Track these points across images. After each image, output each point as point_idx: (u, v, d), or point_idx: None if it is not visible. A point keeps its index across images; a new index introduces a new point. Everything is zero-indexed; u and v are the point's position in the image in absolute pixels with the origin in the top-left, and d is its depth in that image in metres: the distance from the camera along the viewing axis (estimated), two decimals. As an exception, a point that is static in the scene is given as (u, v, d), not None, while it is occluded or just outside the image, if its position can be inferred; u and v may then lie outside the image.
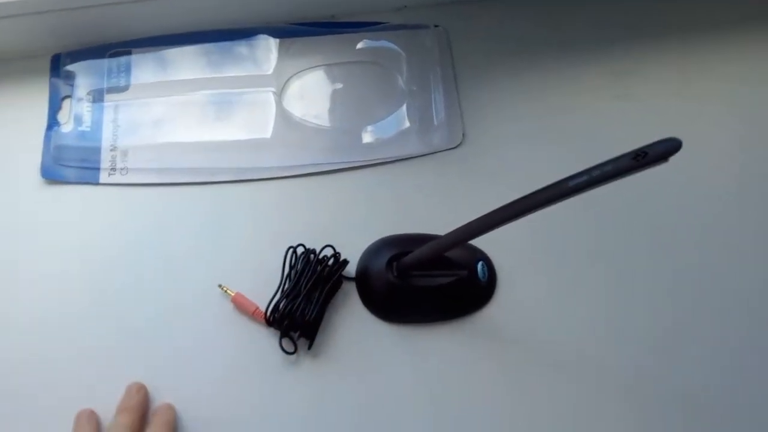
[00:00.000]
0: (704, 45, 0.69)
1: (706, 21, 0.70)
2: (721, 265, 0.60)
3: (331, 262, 0.57)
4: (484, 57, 0.67)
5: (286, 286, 0.56)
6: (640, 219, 0.61)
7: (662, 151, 0.36)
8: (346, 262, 0.58)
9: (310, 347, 0.55)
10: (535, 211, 0.44)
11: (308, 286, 0.55)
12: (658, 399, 0.56)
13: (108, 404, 0.53)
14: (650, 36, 0.69)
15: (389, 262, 0.57)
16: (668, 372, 0.57)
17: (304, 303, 0.55)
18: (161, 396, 0.54)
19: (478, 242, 0.59)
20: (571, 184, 0.40)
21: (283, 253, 0.57)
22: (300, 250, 0.57)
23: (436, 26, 0.68)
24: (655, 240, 0.61)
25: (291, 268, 0.57)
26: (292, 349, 0.55)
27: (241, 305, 0.56)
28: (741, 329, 0.58)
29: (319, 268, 0.56)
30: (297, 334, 0.55)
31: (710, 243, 0.61)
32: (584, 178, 0.40)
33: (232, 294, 0.57)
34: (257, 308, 0.56)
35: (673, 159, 0.61)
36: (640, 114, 0.64)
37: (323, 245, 0.58)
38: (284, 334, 0.55)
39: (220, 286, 0.57)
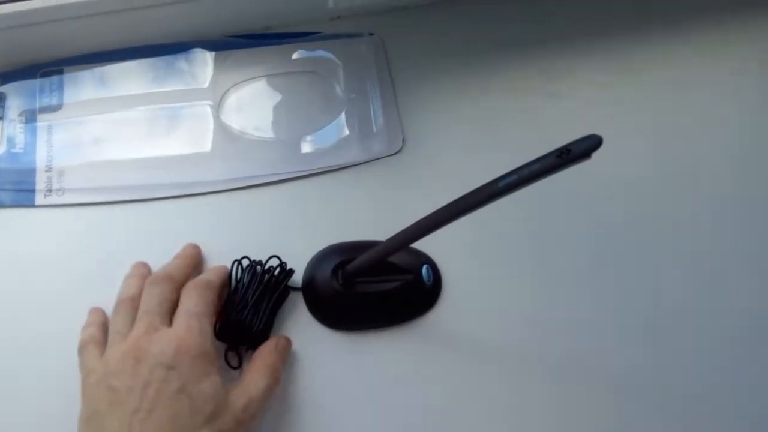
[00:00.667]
0: (631, 45, 0.71)
1: (634, 22, 0.72)
2: (658, 256, 0.62)
3: (277, 272, 0.57)
4: (420, 63, 0.68)
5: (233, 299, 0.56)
6: (576, 216, 0.63)
7: (584, 148, 0.37)
8: (291, 272, 0.58)
9: None
10: (470, 212, 0.44)
11: (255, 297, 0.55)
12: (603, 393, 0.57)
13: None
14: (579, 36, 0.70)
15: (334, 270, 0.57)
16: (612, 366, 0.58)
17: (251, 314, 0.54)
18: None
19: (422, 246, 0.60)
20: (501, 184, 0.41)
21: (229, 265, 0.57)
22: (245, 262, 0.57)
23: (371, 34, 0.68)
24: (596, 236, 0.62)
25: (237, 281, 0.57)
26: (236, 364, 0.55)
27: None
28: (677, 320, 0.60)
29: (265, 278, 0.56)
30: (245, 347, 0.55)
31: (643, 236, 0.62)
32: (513, 177, 0.40)
33: None
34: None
35: (603, 148, 0.63)
36: (573, 112, 0.66)
37: (268, 256, 0.58)
38: (231, 347, 0.54)
39: None
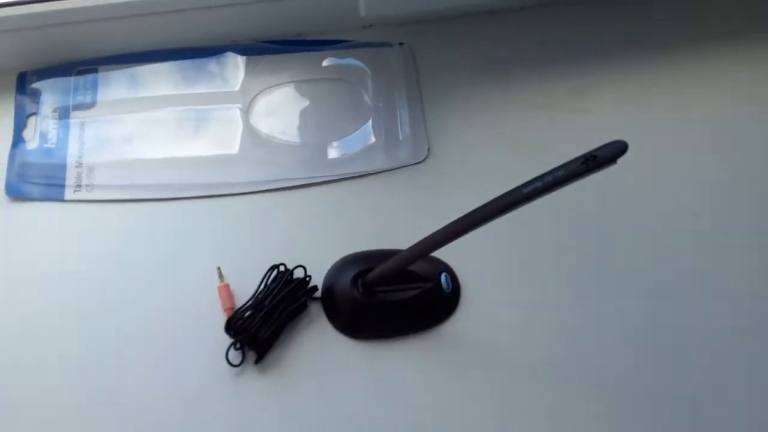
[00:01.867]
0: (660, 63, 0.70)
1: (664, 40, 0.71)
2: (682, 267, 0.61)
3: (299, 285, 0.57)
4: (448, 74, 0.68)
5: (252, 302, 0.56)
6: (599, 226, 0.62)
7: (610, 153, 0.37)
8: (315, 289, 0.58)
9: (257, 362, 0.55)
10: (493, 219, 0.44)
11: (271, 305, 0.55)
12: (627, 402, 0.56)
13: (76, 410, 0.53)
14: (607, 54, 0.70)
15: (354, 279, 0.57)
16: (634, 375, 0.57)
17: (261, 321, 0.55)
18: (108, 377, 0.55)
19: (441, 254, 0.59)
20: (526, 190, 0.41)
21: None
22: (282, 268, 0.57)
23: (401, 44, 0.69)
24: (616, 246, 0.62)
25: (266, 284, 0.57)
26: (237, 362, 0.55)
27: (222, 296, 0.57)
28: (709, 329, 0.59)
29: (286, 289, 0.56)
30: (248, 349, 0.55)
31: (667, 247, 0.62)
32: (538, 184, 0.40)
33: (221, 283, 0.57)
34: (231, 308, 0.56)
35: (629, 169, 0.63)
36: (598, 127, 0.66)
37: (294, 263, 0.58)
38: (234, 345, 0.55)
39: (218, 268, 0.58)
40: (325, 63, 0.68)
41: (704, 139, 0.67)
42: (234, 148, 0.64)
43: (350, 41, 0.69)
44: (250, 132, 0.64)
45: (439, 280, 0.58)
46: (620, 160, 0.38)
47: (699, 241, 0.62)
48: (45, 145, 0.63)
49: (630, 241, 0.62)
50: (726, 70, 0.71)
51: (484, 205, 0.44)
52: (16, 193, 0.61)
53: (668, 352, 0.58)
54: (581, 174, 0.38)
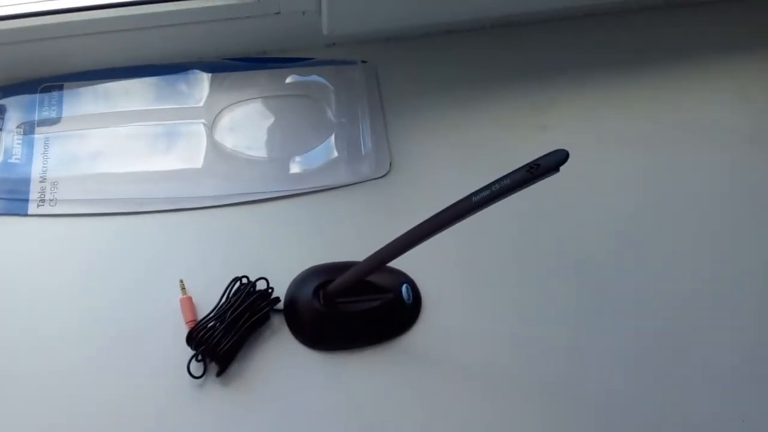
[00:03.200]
0: (620, 81, 0.73)
1: (624, 58, 0.74)
2: (630, 274, 0.63)
3: (260, 297, 0.58)
4: (410, 91, 0.70)
5: (214, 313, 0.57)
6: (557, 237, 0.64)
7: (553, 162, 0.38)
8: (277, 300, 0.59)
9: (218, 374, 0.56)
10: (446, 228, 0.46)
11: (232, 316, 0.56)
12: (583, 411, 0.57)
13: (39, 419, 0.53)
14: (566, 72, 0.72)
15: (316, 291, 0.58)
16: (591, 383, 0.58)
17: (222, 333, 0.55)
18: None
19: (402, 266, 0.60)
20: (475, 198, 0.42)
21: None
22: (244, 280, 0.58)
23: (363, 62, 0.71)
24: (574, 256, 0.63)
25: (228, 296, 0.57)
26: (199, 374, 0.55)
27: (184, 308, 0.57)
28: (663, 336, 0.60)
29: (247, 301, 0.57)
30: (210, 360, 0.56)
31: (622, 256, 0.64)
32: (486, 192, 0.42)
33: (184, 295, 0.58)
34: (193, 320, 0.57)
35: (585, 178, 0.64)
36: (556, 143, 0.66)
37: (257, 275, 0.58)
38: (196, 357, 0.55)
39: (181, 280, 0.58)
40: (289, 80, 0.69)
41: (658, 154, 0.69)
42: (198, 163, 0.64)
43: (314, 59, 0.70)
44: (215, 147, 0.65)
45: (400, 291, 0.59)
46: (569, 171, 0.40)
47: (649, 248, 0.64)
48: (9, 160, 0.63)
49: (587, 250, 0.64)
50: (684, 86, 0.73)
51: (437, 214, 0.45)
52: (-22, 208, 0.61)
53: (626, 358, 0.59)
54: (526, 182, 0.40)
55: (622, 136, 0.69)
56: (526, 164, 0.40)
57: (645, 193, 0.67)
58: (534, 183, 0.40)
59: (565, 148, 0.40)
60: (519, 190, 0.41)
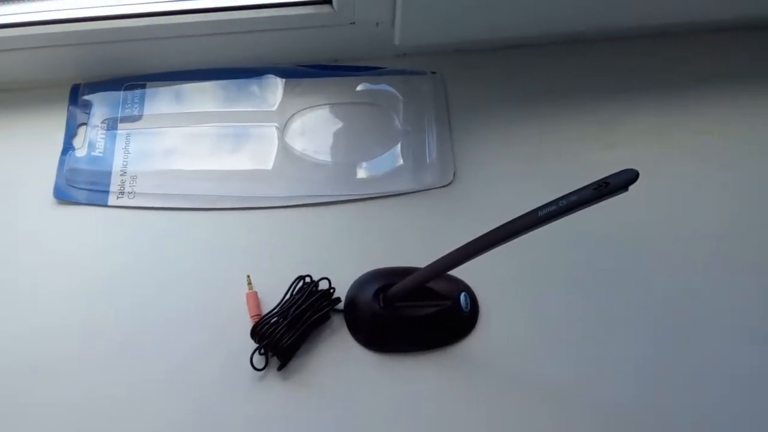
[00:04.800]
0: (692, 101, 0.72)
1: (688, 79, 0.73)
2: (698, 296, 0.63)
3: (322, 296, 0.60)
4: (478, 102, 0.71)
5: (277, 309, 0.59)
6: (618, 252, 0.64)
7: (621, 180, 0.39)
8: (338, 300, 0.61)
9: (280, 368, 0.58)
10: (508, 240, 0.46)
11: (295, 314, 0.58)
12: (645, 426, 0.57)
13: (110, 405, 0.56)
14: (636, 91, 0.72)
15: (376, 293, 0.60)
16: (652, 403, 0.58)
17: (285, 329, 0.57)
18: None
19: (462, 275, 0.61)
20: (541, 213, 0.43)
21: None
22: (308, 279, 0.60)
23: (433, 73, 0.72)
24: (634, 271, 0.63)
25: (292, 293, 0.59)
26: (261, 366, 0.57)
27: (249, 303, 0.60)
28: (731, 359, 0.60)
29: (311, 299, 0.59)
30: (272, 355, 0.58)
31: (690, 276, 0.63)
32: (552, 207, 0.42)
33: (250, 290, 0.60)
34: (258, 315, 0.59)
35: (650, 200, 0.64)
36: (623, 161, 0.66)
37: (319, 275, 0.60)
38: (259, 350, 0.57)
39: (248, 276, 0.60)
40: (359, 88, 0.71)
41: (726, 178, 0.68)
42: (269, 164, 0.67)
43: (384, 68, 0.72)
44: (285, 150, 0.67)
45: (459, 299, 0.60)
46: (636, 191, 0.40)
47: (716, 273, 0.64)
48: (93, 153, 0.67)
49: (649, 268, 0.64)
50: (753, 112, 0.72)
51: (501, 226, 0.46)
52: (63, 197, 0.65)
53: (685, 377, 0.59)
54: (593, 199, 0.40)
55: (692, 157, 0.69)
56: (595, 182, 0.40)
57: (714, 213, 0.66)
58: (601, 201, 0.40)
59: (634, 168, 0.40)
60: (585, 207, 0.41)
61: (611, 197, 0.41)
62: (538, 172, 0.68)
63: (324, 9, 0.68)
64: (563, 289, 0.62)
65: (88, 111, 0.69)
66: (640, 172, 0.40)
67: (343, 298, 0.61)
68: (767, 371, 0.60)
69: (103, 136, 0.68)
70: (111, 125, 0.68)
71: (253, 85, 0.71)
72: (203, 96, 0.70)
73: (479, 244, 0.48)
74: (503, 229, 0.46)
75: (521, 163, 0.68)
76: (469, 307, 0.60)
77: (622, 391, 0.59)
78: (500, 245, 0.47)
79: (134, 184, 0.65)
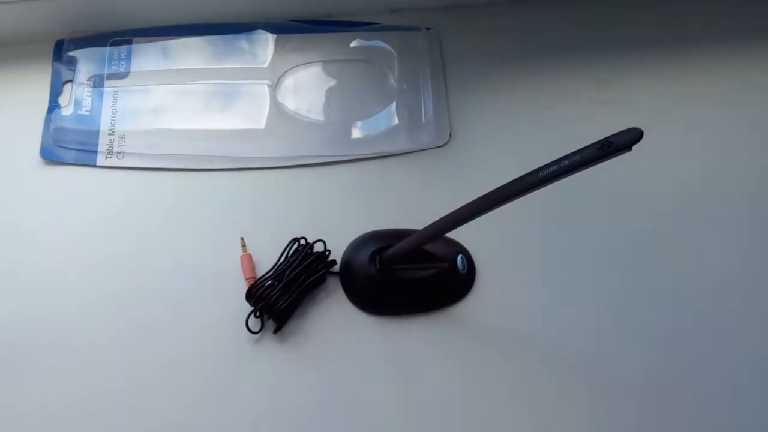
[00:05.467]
0: (687, 59, 0.71)
1: (691, 36, 0.72)
2: (700, 258, 0.62)
3: (318, 258, 0.59)
4: (473, 60, 0.69)
5: (272, 272, 0.58)
6: (617, 213, 0.64)
7: (626, 140, 0.38)
8: (333, 262, 0.60)
9: (275, 331, 0.57)
10: (509, 201, 0.45)
11: (290, 276, 0.57)
12: (639, 392, 0.57)
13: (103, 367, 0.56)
14: (631, 46, 0.71)
15: (372, 256, 0.59)
16: (651, 369, 0.58)
17: (280, 292, 0.56)
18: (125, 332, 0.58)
19: (459, 237, 0.61)
20: (542, 174, 0.42)
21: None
22: (302, 242, 0.59)
23: (428, 29, 0.70)
24: (633, 235, 0.63)
25: (287, 256, 0.59)
26: (256, 329, 0.57)
27: (244, 265, 0.59)
28: (732, 326, 0.60)
29: (306, 261, 0.58)
30: (268, 317, 0.57)
31: (687, 236, 0.63)
32: (554, 167, 0.41)
33: (243, 252, 0.59)
34: (252, 278, 0.58)
35: (649, 155, 0.63)
36: (618, 118, 0.66)
37: (314, 238, 0.59)
38: (254, 313, 0.57)
39: (241, 238, 0.60)
40: (352, 44, 0.69)
41: (725, 132, 0.67)
42: (261, 124, 0.65)
43: (378, 24, 0.70)
44: (277, 108, 0.66)
45: (455, 261, 0.60)
46: (637, 148, 0.39)
47: (718, 230, 0.63)
48: (79, 112, 0.65)
49: (647, 228, 0.63)
50: (749, 63, 0.71)
51: (501, 187, 0.45)
52: (50, 157, 0.63)
53: (688, 347, 0.59)
54: (596, 159, 0.39)
55: (688, 115, 0.68)
56: (598, 141, 0.39)
57: (712, 173, 0.66)
58: (604, 161, 0.39)
59: (632, 126, 0.39)
60: (588, 167, 0.41)
61: (614, 157, 0.40)
62: (534, 131, 0.66)
63: (316, -39, 0.66)
64: (560, 251, 0.62)
65: (73, 68, 0.67)
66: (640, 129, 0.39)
67: (338, 261, 0.60)
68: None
69: (90, 93, 0.66)
70: (97, 82, 0.66)
71: (242, 41, 0.69)
72: (192, 52, 0.68)
73: (478, 205, 0.47)
74: (503, 189, 0.45)
75: (517, 121, 0.67)
76: (465, 269, 0.60)
77: (620, 354, 0.58)
78: (501, 206, 0.46)
79: (123, 143, 0.64)
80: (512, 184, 0.45)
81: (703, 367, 0.58)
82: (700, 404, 0.57)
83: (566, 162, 0.41)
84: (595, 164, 0.40)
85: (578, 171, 0.41)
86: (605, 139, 0.39)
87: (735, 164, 0.66)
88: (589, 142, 0.41)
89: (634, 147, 0.39)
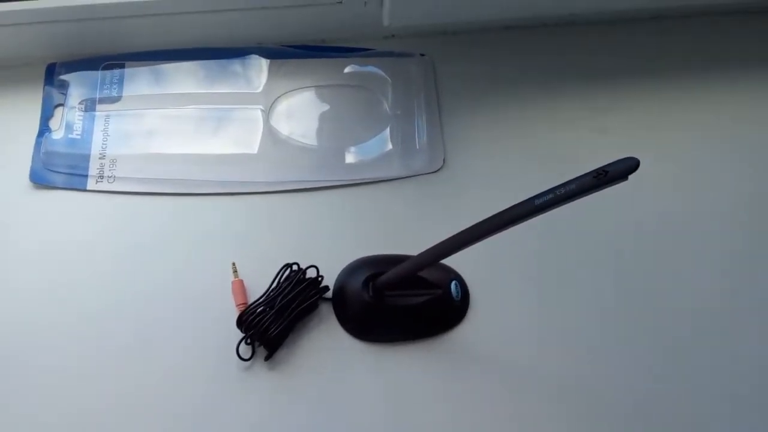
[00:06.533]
0: (683, 87, 0.71)
1: (687, 64, 0.72)
2: (694, 284, 0.62)
3: (310, 285, 0.58)
4: (467, 86, 0.69)
5: (264, 298, 0.57)
6: (611, 241, 0.63)
7: (622, 169, 0.38)
8: (326, 289, 0.59)
9: (267, 359, 0.56)
10: (504, 229, 0.45)
11: (282, 303, 0.57)
12: (635, 418, 0.57)
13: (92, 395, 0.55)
14: (628, 76, 0.71)
15: (365, 282, 0.58)
16: (643, 396, 0.58)
17: (272, 318, 0.56)
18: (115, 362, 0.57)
19: (452, 263, 0.60)
20: (537, 202, 0.42)
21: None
22: (295, 267, 0.59)
23: (422, 55, 0.70)
24: (627, 261, 0.63)
25: (279, 282, 0.58)
26: (247, 356, 0.56)
27: (235, 291, 0.58)
28: (727, 346, 0.60)
29: (298, 288, 0.57)
30: (259, 344, 0.56)
31: (679, 263, 0.63)
32: (550, 195, 0.41)
33: (235, 278, 0.58)
34: (243, 304, 0.57)
35: (644, 188, 0.63)
36: (615, 147, 0.66)
37: (307, 263, 0.59)
38: (245, 340, 0.56)
39: (233, 263, 0.59)
40: (346, 70, 0.69)
41: (722, 162, 0.67)
42: (254, 148, 0.65)
43: (372, 50, 0.70)
44: (270, 133, 0.66)
45: (449, 288, 0.59)
46: (633, 178, 0.39)
47: (713, 259, 0.63)
48: (70, 136, 0.64)
49: (641, 257, 0.63)
50: (747, 95, 0.71)
51: (496, 215, 0.45)
52: (40, 181, 0.62)
53: (682, 365, 0.59)
54: (592, 188, 0.39)
55: (682, 143, 0.68)
56: (594, 170, 0.39)
57: (707, 200, 0.66)
58: (600, 189, 0.39)
59: (628, 155, 0.39)
60: (583, 196, 0.40)
61: (610, 186, 0.39)
62: (528, 158, 0.66)
63: (311, -13, 0.66)
64: (555, 278, 0.62)
65: (64, 91, 0.66)
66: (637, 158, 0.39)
67: (331, 287, 0.59)
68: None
69: (81, 117, 0.65)
70: (89, 106, 0.66)
71: (236, 66, 0.69)
72: (185, 77, 0.68)
73: (472, 233, 0.47)
74: (499, 217, 0.45)
75: (511, 148, 0.67)
76: (460, 295, 0.59)
77: (612, 383, 0.58)
78: (495, 233, 0.46)
79: (114, 167, 0.63)
80: (508, 212, 0.44)
81: (697, 392, 0.58)
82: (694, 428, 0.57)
83: (562, 190, 0.41)
84: (591, 193, 0.40)
85: (574, 200, 0.41)
86: (601, 168, 0.39)
87: (732, 193, 0.66)
88: (585, 171, 0.41)
89: (630, 177, 0.39)
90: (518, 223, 0.44)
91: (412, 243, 0.56)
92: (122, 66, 0.68)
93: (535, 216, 0.43)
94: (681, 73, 0.71)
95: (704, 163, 0.67)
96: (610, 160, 0.40)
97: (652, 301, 0.61)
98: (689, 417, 0.57)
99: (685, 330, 0.60)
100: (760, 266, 0.63)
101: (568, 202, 0.41)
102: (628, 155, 0.39)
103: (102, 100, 0.66)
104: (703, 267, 0.63)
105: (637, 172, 0.39)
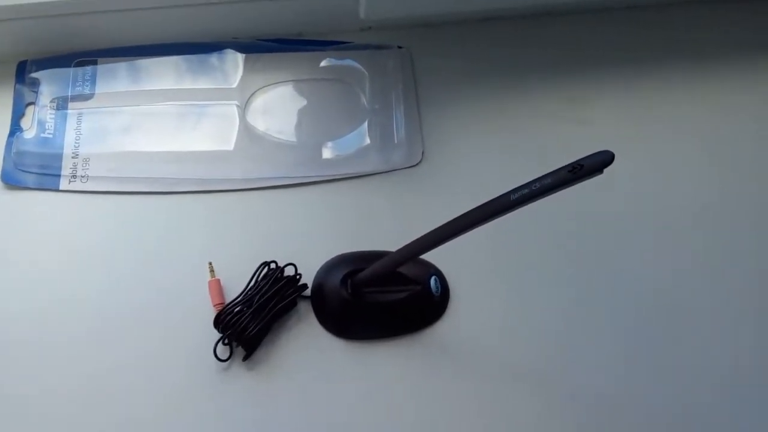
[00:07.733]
0: (656, 76, 0.71)
1: (666, 54, 0.72)
2: (672, 277, 0.62)
3: (289, 283, 0.57)
4: (445, 78, 0.68)
5: (241, 297, 0.56)
6: (590, 234, 0.63)
7: (597, 162, 0.37)
8: (304, 287, 0.58)
9: (245, 359, 0.56)
10: (481, 224, 0.45)
11: (260, 302, 0.56)
12: (612, 411, 0.57)
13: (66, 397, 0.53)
14: (606, 67, 0.71)
15: (344, 279, 0.58)
16: (625, 390, 0.58)
17: (250, 317, 0.55)
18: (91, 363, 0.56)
19: (431, 258, 0.60)
20: (514, 197, 0.42)
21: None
22: (273, 266, 0.58)
23: (399, 47, 0.69)
24: (606, 254, 0.62)
25: (256, 281, 0.57)
26: (225, 357, 0.55)
27: (212, 291, 0.57)
28: (701, 339, 0.60)
29: (276, 287, 0.57)
30: (237, 345, 0.56)
31: (658, 256, 0.63)
32: (525, 190, 0.41)
33: (212, 278, 0.58)
34: (221, 304, 0.57)
35: (623, 179, 0.63)
36: (594, 138, 0.66)
37: (285, 261, 0.58)
38: (222, 340, 0.55)
39: (210, 263, 0.58)
40: (323, 63, 0.68)
41: (701, 153, 0.67)
42: (229, 145, 0.64)
43: (349, 43, 0.69)
44: (246, 129, 0.65)
45: (429, 283, 0.59)
46: (610, 170, 0.39)
47: (690, 251, 0.63)
48: (42, 135, 0.63)
49: (620, 249, 0.63)
50: (726, 84, 0.71)
51: (473, 210, 0.45)
52: (11, 181, 0.61)
53: (657, 360, 0.59)
54: (568, 182, 0.39)
55: (663, 133, 0.68)
56: (569, 164, 0.39)
57: (689, 190, 0.65)
58: (576, 183, 0.39)
59: (605, 147, 0.38)
60: (560, 190, 0.40)
61: (586, 180, 0.39)
62: (508, 151, 0.66)
63: (285, -20, 0.65)
64: (535, 272, 0.61)
65: (36, 89, 0.65)
66: (612, 150, 0.38)
67: (309, 285, 0.59)
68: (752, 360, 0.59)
69: (53, 116, 0.64)
70: (61, 104, 0.64)
71: (211, 61, 0.67)
72: (158, 73, 0.67)
73: (450, 229, 0.46)
74: (475, 213, 0.44)
75: (490, 141, 0.66)
76: (439, 291, 0.59)
77: (593, 377, 0.58)
78: (473, 229, 0.45)
79: (87, 167, 0.62)
80: (484, 208, 0.44)
81: (675, 386, 0.58)
82: (670, 419, 0.57)
83: (538, 185, 0.40)
84: (568, 187, 0.39)
85: (550, 194, 0.40)
86: (576, 162, 0.38)
87: (712, 183, 0.66)
88: (563, 163, 0.40)
89: (606, 170, 0.38)
90: (495, 218, 0.44)
91: (392, 238, 0.55)
92: (95, 63, 0.66)
93: (512, 210, 0.43)
94: (659, 62, 0.71)
95: (683, 154, 0.67)
96: (591, 152, 0.39)
97: (633, 295, 0.61)
98: (669, 409, 0.57)
99: (665, 324, 0.60)
100: (739, 259, 0.63)
101: (545, 196, 0.41)
102: (608, 146, 0.39)
103: (74, 98, 0.65)
104: (684, 259, 0.63)
105: (614, 163, 0.38)
